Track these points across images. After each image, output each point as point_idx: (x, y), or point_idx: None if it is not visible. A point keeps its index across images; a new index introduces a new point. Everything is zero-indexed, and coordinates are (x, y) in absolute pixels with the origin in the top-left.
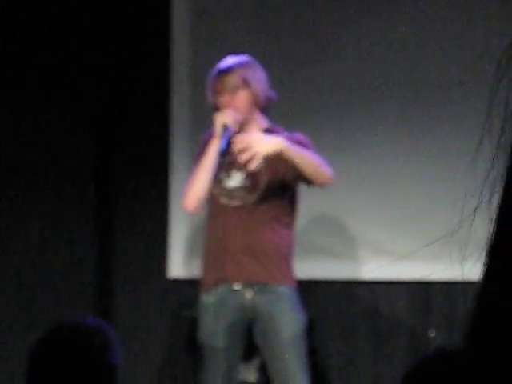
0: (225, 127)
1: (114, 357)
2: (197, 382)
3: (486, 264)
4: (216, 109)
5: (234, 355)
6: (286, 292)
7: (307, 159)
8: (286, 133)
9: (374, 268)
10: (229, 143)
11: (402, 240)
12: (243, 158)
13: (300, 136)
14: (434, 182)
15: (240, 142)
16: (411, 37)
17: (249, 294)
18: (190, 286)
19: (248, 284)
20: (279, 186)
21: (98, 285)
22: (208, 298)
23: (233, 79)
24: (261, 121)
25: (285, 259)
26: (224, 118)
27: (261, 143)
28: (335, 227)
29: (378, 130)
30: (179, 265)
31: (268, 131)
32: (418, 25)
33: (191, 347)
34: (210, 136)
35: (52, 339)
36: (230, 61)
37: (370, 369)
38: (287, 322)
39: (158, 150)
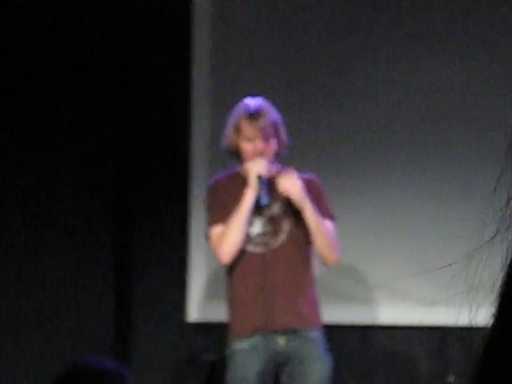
0: (259, 178)
1: None
2: None
3: (496, 309)
4: (235, 152)
5: None
6: (316, 336)
7: (322, 231)
8: (298, 173)
9: (392, 313)
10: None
11: (421, 285)
12: (294, 200)
13: (312, 177)
14: (450, 227)
15: (284, 183)
16: (418, 79)
17: (282, 341)
18: (209, 330)
19: (281, 330)
20: (301, 228)
21: (117, 328)
22: (239, 344)
23: (266, 126)
24: (274, 164)
25: (315, 303)
26: (259, 169)
27: (297, 187)
28: (353, 272)
29: (392, 174)
30: (198, 309)
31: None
32: (425, 68)
33: None
34: (218, 182)
35: (68, 379)
36: (257, 105)
37: None
38: (316, 367)
39: (177, 191)
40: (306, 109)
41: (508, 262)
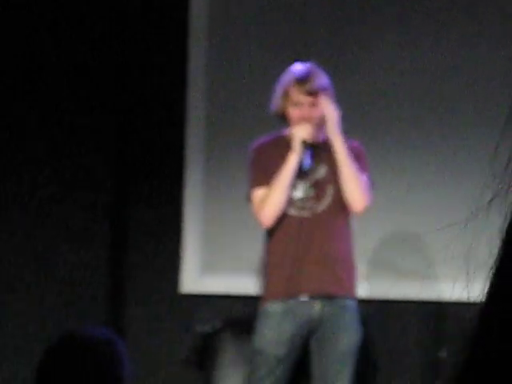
0: (304, 143)
1: (122, 369)
2: None
3: (490, 284)
4: (283, 117)
5: (289, 365)
6: (351, 305)
7: (351, 172)
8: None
9: (385, 287)
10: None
11: (415, 259)
12: (330, 128)
13: (355, 143)
14: (450, 202)
15: (329, 108)
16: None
17: (317, 306)
18: (203, 301)
19: (317, 295)
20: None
21: (111, 298)
22: (273, 307)
23: (313, 91)
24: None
25: (353, 270)
26: (303, 134)
27: (336, 115)
28: (367, 253)
29: (390, 143)
30: (192, 280)
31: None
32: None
33: (202, 362)
34: (262, 145)
35: (61, 349)
36: (306, 69)
37: None
38: (347, 336)
39: (172, 164)
40: None
41: (506, 225)
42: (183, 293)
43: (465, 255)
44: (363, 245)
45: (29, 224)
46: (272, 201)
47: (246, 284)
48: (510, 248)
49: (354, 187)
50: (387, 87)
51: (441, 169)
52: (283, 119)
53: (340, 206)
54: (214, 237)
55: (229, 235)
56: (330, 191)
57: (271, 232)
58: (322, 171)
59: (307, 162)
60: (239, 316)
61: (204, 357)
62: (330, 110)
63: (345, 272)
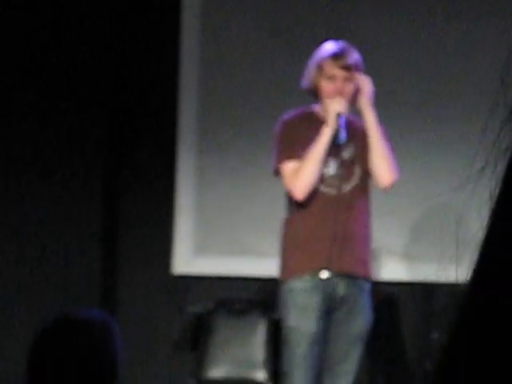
0: (339, 116)
1: (115, 349)
2: (281, 370)
3: (476, 263)
4: (314, 92)
5: (321, 340)
6: (368, 288)
7: (381, 145)
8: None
9: (378, 268)
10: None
11: (407, 241)
12: (364, 101)
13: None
14: (439, 187)
15: (366, 82)
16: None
17: (342, 284)
18: (195, 282)
19: (340, 274)
20: (368, 177)
21: (104, 280)
22: (301, 284)
23: (348, 66)
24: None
25: (370, 252)
26: (338, 107)
27: (371, 89)
28: None
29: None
30: (184, 261)
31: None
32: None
33: (193, 342)
34: (292, 118)
35: (53, 330)
36: (341, 45)
37: (373, 367)
38: (363, 318)
39: (164, 144)
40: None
41: (496, 195)
42: (176, 274)
43: (455, 228)
44: None
45: (20, 206)
46: (306, 174)
47: (239, 265)
48: (499, 221)
49: (385, 162)
50: (381, 60)
51: (430, 141)
52: (315, 94)
53: (364, 187)
54: (206, 218)
55: (221, 217)
56: (357, 171)
57: (297, 206)
58: (349, 150)
59: (343, 135)
60: (231, 297)
61: (196, 338)
62: (365, 83)
63: (366, 254)
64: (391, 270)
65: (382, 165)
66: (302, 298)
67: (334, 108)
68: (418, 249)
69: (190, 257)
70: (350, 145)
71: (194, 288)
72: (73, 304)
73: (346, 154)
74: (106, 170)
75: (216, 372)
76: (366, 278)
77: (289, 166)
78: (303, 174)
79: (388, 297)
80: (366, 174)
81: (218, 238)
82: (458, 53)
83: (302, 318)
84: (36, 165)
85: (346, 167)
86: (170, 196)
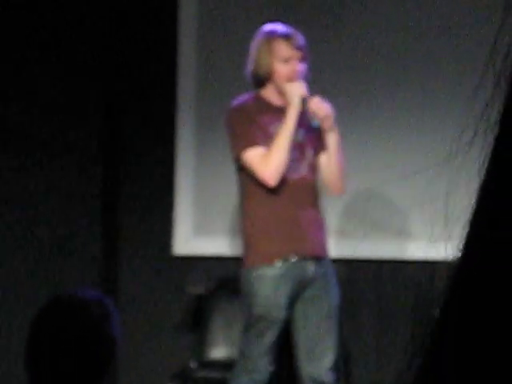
0: (303, 100)
1: (112, 328)
2: (242, 351)
3: (465, 238)
4: (263, 76)
5: (282, 326)
6: (331, 265)
7: (340, 160)
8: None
9: (377, 246)
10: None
11: (407, 219)
12: (327, 125)
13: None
14: (426, 160)
15: (321, 107)
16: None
17: (311, 267)
18: (195, 263)
19: (309, 257)
20: (317, 159)
21: (104, 260)
22: (269, 271)
23: (302, 46)
24: None
25: (327, 234)
26: (301, 90)
27: (330, 110)
28: (338, 207)
29: (371, 86)
30: (184, 242)
31: None
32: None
33: (194, 323)
34: (244, 104)
35: (51, 310)
36: (288, 27)
37: (374, 347)
38: (333, 294)
39: (164, 126)
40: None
41: (485, 166)
42: (176, 254)
43: (443, 201)
44: (356, 206)
45: (21, 186)
46: (277, 159)
47: (239, 245)
48: (487, 195)
49: (338, 177)
50: (368, 36)
51: (417, 113)
52: (263, 79)
53: (316, 169)
54: (206, 199)
55: (221, 197)
56: (308, 154)
57: (258, 193)
58: (301, 133)
59: (314, 119)
60: (231, 277)
61: (196, 318)
62: (323, 108)
63: (325, 234)
64: (392, 248)
65: (336, 179)
66: (272, 286)
67: (297, 91)
68: (405, 225)
69: (190, 237)
70: (303, 127)
71: (194, 268)
72: (73, 284)
73: (299, 136)
74: (107, 152)
75: (217, 353)
76: (328, 258)
77: (254, 153)
78: (274, 160)
79: (389, 275)
80: (316, 157)
81: (217, 219)
82: (445, 23)
83: (269, 305)
84: (36, 146)
85: (299, 150)
86: (170, 177)
